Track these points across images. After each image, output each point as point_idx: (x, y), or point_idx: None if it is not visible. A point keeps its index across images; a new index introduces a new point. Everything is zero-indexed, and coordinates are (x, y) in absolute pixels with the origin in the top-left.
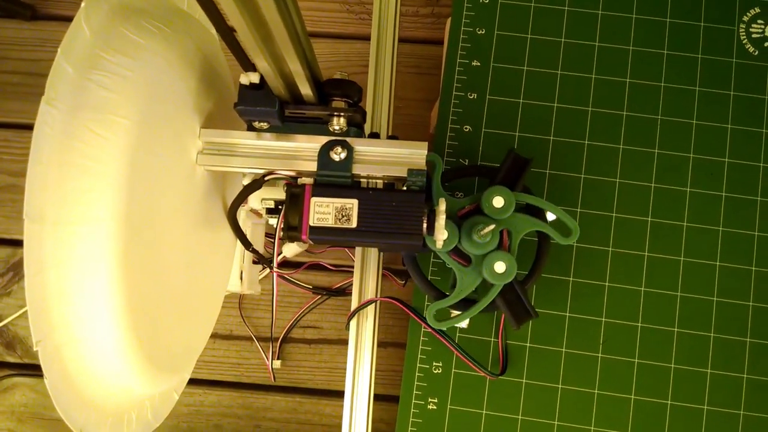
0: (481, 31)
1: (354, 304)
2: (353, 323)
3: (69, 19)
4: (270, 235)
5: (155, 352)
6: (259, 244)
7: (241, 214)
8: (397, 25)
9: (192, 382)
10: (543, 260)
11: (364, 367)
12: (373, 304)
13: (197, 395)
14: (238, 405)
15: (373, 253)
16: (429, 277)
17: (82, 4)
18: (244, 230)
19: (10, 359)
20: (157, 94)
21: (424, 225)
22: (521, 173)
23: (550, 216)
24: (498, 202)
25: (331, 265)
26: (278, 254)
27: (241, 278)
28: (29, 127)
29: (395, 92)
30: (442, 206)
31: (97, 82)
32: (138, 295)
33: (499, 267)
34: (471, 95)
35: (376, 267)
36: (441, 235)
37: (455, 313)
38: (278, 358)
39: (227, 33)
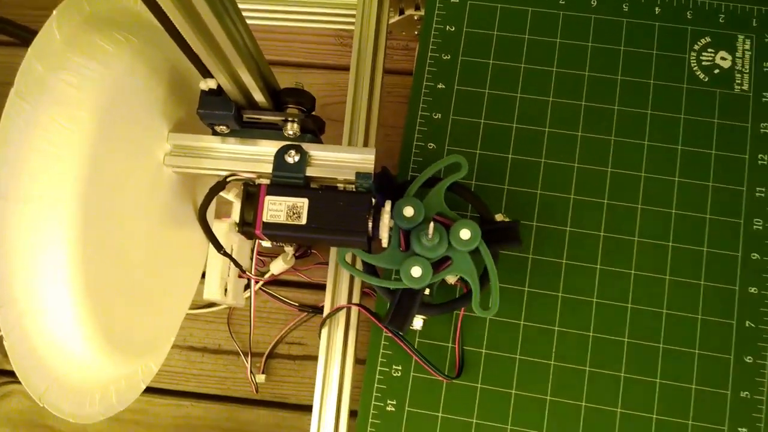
0: (446, 57)
1: (326, 311)
2: (324, 332)
3: None
4: (260, 253)
5: (113, 331)
6: (245, 259)
7: (224, 228)
8: (380, 56)
9: (180, 394)
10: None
11: (333, 376)
12: (347, 314)
13: (185, 407)
14: (223, 418)
15: None
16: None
17: (54, 12)
18: (229, 244)
19: (8, 367)
20: (121, 97)
21: (370, 223)
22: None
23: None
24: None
25: (314, 281)
26: (265, 272)
27: (226, 291)
28: None
29: (384, 121)
30: (387, 206)
31: (64, 80)
32: (95, 274)
33: (416, 272)
34: (436, 115)
35: (348, 278)
36: (385, 233)
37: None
38: (263, 373)
39: (186, 47)
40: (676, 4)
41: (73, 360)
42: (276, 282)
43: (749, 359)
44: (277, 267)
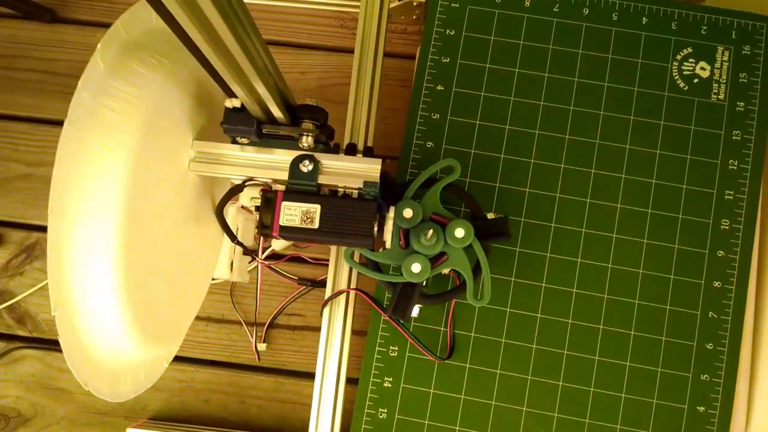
0: (445, 60)
1: (328, 294)
2: (326, 310)
3: (86, 23)
4: None
5: (147, 324)
6: (249, 237)
7: (232, 211)
8: (381, 42)
9: (185, 360)
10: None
11: (334, 350)
12: (346, 295)
13: (189, 372)
14: (226, 383)
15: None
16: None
17: (99, 45)
18: (235, 224)
19: (21, 333)
20: (156, 115)
21: (375, 228)
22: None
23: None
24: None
25: (312, 258)
26: (267, 248)
27: (231, 268)
28: (46, 121)
29: (382, 103)
30: (391, 213)
31: (108, 106)
32: (135, 276)
33: (416, 268)
34: (434, 115)
35: None
36: (389, 236)
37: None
38: (264, 342)
39: (211, 69)
40: (662, 15)
41: (113, 349)
42: (277, 256)
43: (710, 346)
44: (279, 244)
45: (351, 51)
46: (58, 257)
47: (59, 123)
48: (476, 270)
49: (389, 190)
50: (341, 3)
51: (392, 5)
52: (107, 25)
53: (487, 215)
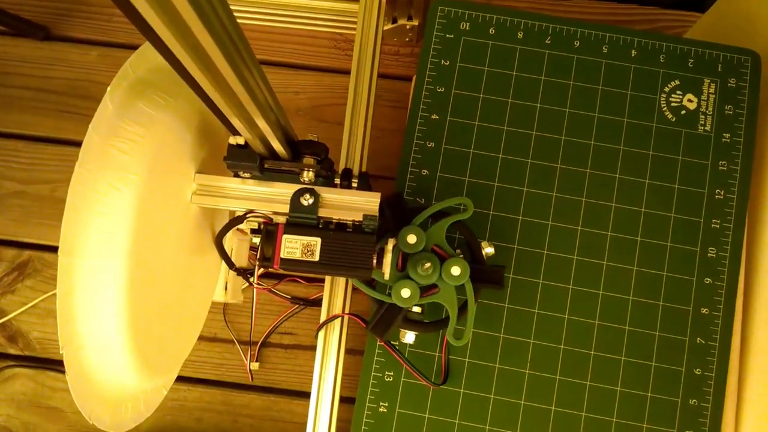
0: (440, 89)
1: (323, 317)
2: (321, 333)
3: (80, 41)
4: (254, 248)
5: (150, 357)
6: (243, 257)
7: (228, 234)
8: (376, 64)
9: (177, 379)
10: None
11: (329, 373)
12: (342, 318)
13: (182, 391)
14: (218, 401)
15: None
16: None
17: (108, 87)
18: (230, 245)
19: (12, 351)
20: (162, 154)
21: (374, 261)
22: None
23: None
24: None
25: (304, 279)
26: (253, 259)
27: (226, 289)
28: (39, 139)
29: (374, 123)
30: (389, 245)
31: (116, 147)
32: (139, 312)
33: (405, 293)
34: (429, 144)
35: (344, 285)
36: (387, 269)
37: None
38: (257, 361)
39: (213, 106)
40: (650, 48)
41: (116, 383)
42: (269, 275)
43: (698, 371)
44: None
45: (343, 72)
46: (69, 297)
47: (53, 140)
48: (462, 309)
49: (402, 213)
50: (335, 25)
51: (385, 28)
52: (101, 43)
53: (481, 243)
